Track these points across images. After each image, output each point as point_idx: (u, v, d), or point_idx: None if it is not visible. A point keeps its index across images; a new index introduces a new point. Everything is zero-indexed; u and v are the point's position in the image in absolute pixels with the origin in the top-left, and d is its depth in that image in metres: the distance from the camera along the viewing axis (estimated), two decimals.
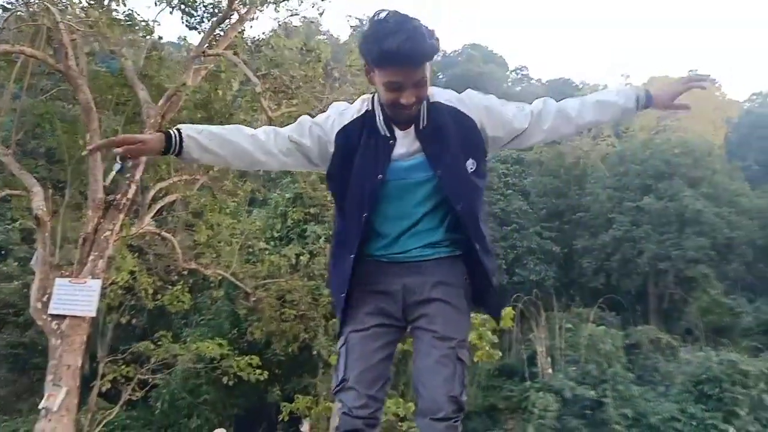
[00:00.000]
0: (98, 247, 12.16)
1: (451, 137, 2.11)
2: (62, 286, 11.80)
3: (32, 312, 12.30)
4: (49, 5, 9.86)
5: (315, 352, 22.42)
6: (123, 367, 14.66)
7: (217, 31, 13.86)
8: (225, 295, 20.95)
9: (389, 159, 2.11)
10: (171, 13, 14.80)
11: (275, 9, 13.75)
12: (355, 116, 2.17)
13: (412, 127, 2.14)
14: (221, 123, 15.53)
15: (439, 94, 2.17)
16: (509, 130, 2.23)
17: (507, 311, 16.98)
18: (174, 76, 13.03)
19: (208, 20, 14.31)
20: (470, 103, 2.18)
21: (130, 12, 13.95)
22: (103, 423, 14.55)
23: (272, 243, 18.09)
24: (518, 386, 30.54)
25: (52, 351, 12.11)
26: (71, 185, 13.78)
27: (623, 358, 30.21)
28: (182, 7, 14.77)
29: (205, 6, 14.88)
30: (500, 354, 16.65)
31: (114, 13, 12.41)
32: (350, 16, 60.85)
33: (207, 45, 13.24)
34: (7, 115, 12.89)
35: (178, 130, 1.96)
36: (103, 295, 13.82)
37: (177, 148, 1.92)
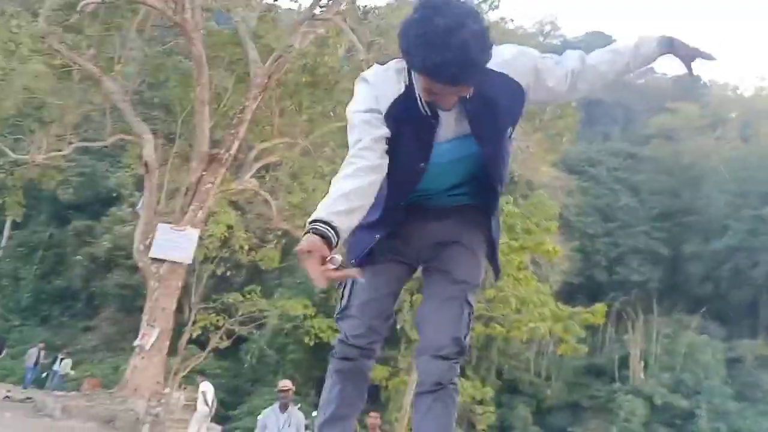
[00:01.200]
0: (199, 198, 12.64)
1: (500, 109, 1.88)
2: (163, 231, 12.41)
3: (135, 254, 13.05)
4: None
5: (399, 326, 22.55)
6: (213, 315, 15.28)
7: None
8: None
9: (431, 144, 1.88)
10: None
11: None
12: (395, 96, 1.87)
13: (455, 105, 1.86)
14: (326, 89, 15.64)
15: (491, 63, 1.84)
16: (552, 94, 2.02)
17: (599, 307, 16.29)
18: (283, 38, 13.19)
19: None
20: (521, 66, 1.91)
21: None
22: (191, 367, 15.28)
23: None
24: (606, 387, 29.60)
25: (150, 293, 12.82)
26: (180, 136, 14.36)
27: (723, 371, 28.57)
28: None
29: None
30: (586, 350, 16.01)
31: None
32: None
33: (318, 9, 13.30)
34: (127, 64, 13.59)
35: (326, 223, 1.68)
36: (200, 245, 14.43)
37: (337, 238, 1.65)
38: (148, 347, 12.22)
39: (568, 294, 32.48)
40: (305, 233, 1.68)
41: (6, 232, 32.39)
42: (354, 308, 2.04)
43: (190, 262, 12.39)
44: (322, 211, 1.70)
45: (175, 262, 12.11)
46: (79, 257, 28.87)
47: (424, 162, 1.90)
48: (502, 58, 1.88)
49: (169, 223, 12.40)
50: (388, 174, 1.87)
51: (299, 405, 7.91)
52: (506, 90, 1.88)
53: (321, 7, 13.68)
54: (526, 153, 14.57)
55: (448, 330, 1.97)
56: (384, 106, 1.85)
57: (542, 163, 14.43)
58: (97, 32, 13.42)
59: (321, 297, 23.22)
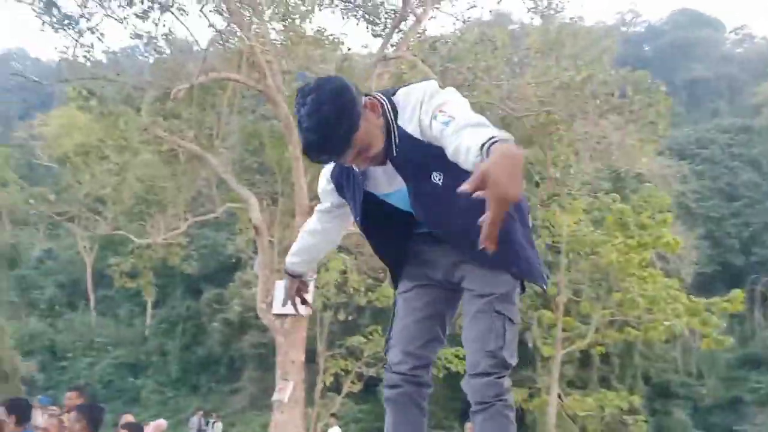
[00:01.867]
0: None
1: (414, 161, 1.91)
2: (280, 287, 12.98)
3: (259, 312, 13.72)
4: (239, 31, 10.91)
5: (530, 345, 21.96)
6: (342, 360, 15.65)
7: (398, 36, 14.24)
8: None
9: (361, 200, 2.03)
10: (357, 24, 15.54)
11: (451, 4, 13.76)
12: (332, 165, 2.15)
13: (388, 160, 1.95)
14: None
15: (400, 106, 1.94)
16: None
17: (736, 294, 14.99)
18: (360, 83, 13.66)
19: (391, 26, 14.75)
20: (410, 113, 1.90)
21: (318, 29, 15.01)
22: (330, 414, 15.64)
23: None
24: (766, 377, 27.20)
25: (278, 347, 13.39)
26: (282, 194, 15.09)
27: None
28: (366, 17, 15.41)
29: (386, 13, 15.36)
30: (732, 341, 14.81)
31: (303, 31, 13.38)
32: None
33: (390, 49, 13.68)
34: (225, 138, 14.61)
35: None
36: (318, 294, 14.94)
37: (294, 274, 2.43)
38: (285, 400, 12.69)
39: (705, 285, 30.24)
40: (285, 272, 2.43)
41: (148, 312, 35.20)
42: (393, 339, 2.12)
43: (310, 312, 12.83)
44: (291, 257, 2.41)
45: (296, 314, 12.59)
46: (215, 324, 30.72)
47: (359, 217, 2.04)
48: (402, 112, 1.92)
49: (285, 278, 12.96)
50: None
51: None
52: (410, 142, 1.89)
53: (391, 45, 14.07)
54: (623, 147, 13.95)
55: (480, 345, 1.96)
56: (328, 168, 2.14)
57: (642, 155, 13.75)
58: (193, 114, 14.54)
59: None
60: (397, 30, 14.18)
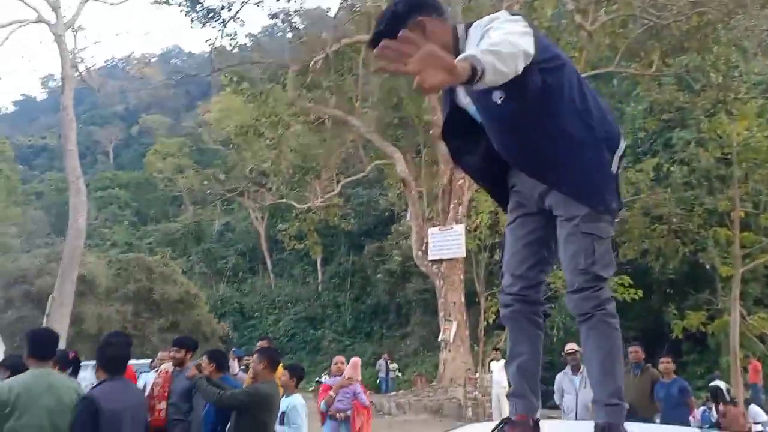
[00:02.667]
0: (456, 195, 13.42)
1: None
2: (434, 234, 13.46)
3: (416, 260, 14.35)
4: None
5: (708, 266, 20.63)
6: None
7: None
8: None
9: (448, 100, 2.23)
10: None
11: None
12: None
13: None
14: None
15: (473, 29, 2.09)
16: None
17: None
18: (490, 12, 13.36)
19: None
20: (475, 34, 2.01)
21: None
22: (493, 348, 15.99)
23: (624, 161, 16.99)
24: None
25: (438, 291, 13.96)
26: (425, 145, 15.39)
27: None
28: None
29: None
30: None
31: None
32: None
33: None
34: (365, 99, 15.14)
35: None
36: (471, 236, 15.17)
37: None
38: (451, 339, 13.29)
39: None
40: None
41: (319, 270, 37.80)
42: (504, 266, 2.30)
43: (464, 255, 13.17)
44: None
45: (451, 259, 12.99)
46: (379, 275, 32.28)
47: (445, 125, 2.26)
48: (470, 39, 2.04)
49: (437, 225, 13.36)
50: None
51: None
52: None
53: None
54: None
55: (573, 266, 2.10)
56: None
57: None
58: (332, 81, 15.19)
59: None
60: None
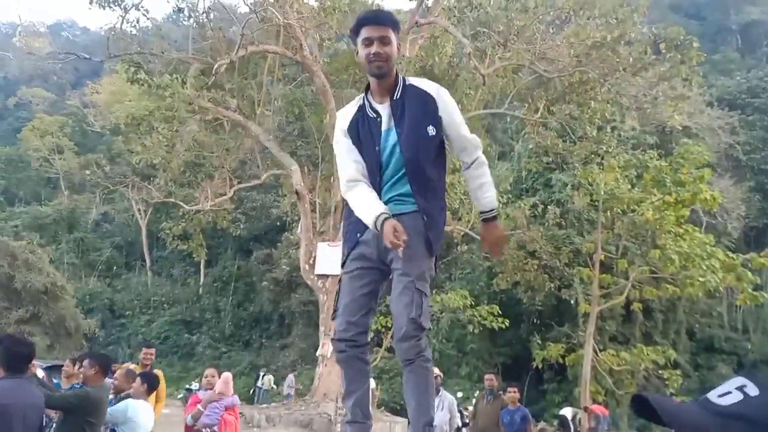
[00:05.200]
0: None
1: (414, 106, 2.64)
2: (323, 249, 13.65)
3: (302, 273, 14.45)
4: (273, 3, 11.30)
5: (572, 301, 22.24)
6: (381, 317, 16.32)
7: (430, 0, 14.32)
8: (469, 250, 21.84)
9: (380, 132, 2.66)
10: None
11: None
12: (353, 111, 2.77)
13: (388, 100, 2.68)
14: (448, 85, 16.11)
15: (415, 80, 2.75)
16: (455, 139, 2.72)
17: None
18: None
19: None
20: (440, 94, 2.68)
21: None
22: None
23: (505, 196, 18.20)
24: None
25: (320, 306, 14.14)
26: (323, 160, 15.61)
27: None
28: None
29: None
30: (766, 296, 14.79)
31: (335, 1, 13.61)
32: None
33: (418, 17, 13.81)
34: (266, 106, 15.13)
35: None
36: None
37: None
38: (328, 355, 13.48)
39: (756, 238, 29.67)
40: (383, 222, 2.53)
41: (202, 272, 36.74)
42: (339, 310, 2.63)
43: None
44: (379, 208, 2.56)
45: (336, 275, 13.23)
46: (264, 283, 31.92)
47: (378, 145, 2.64)
48: (429, 83, 2.73)
49: (326, 240, 13.57)
50: (364, 161, 2.67)
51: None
52: (420, 96, 2.66)
53: (426, 8, 14.18)
54: (654, 104, 13.88)
55: (404, 314, 2.48)
56: (346, 122, 2.74)
57: (677, 111, 13.63)
58: (236, 84, 15.07)
59: (480, 286, 23.58)
60: None
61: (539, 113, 14.94)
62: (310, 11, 13.44)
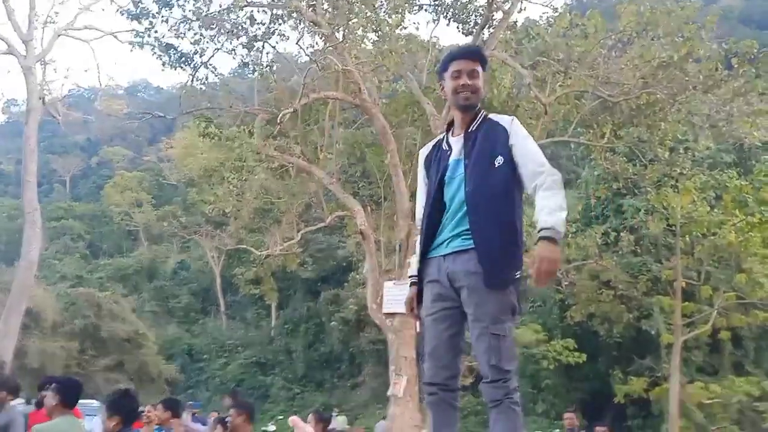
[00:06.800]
0: (412, 250, 13.69)
1: (489, 138, 2.64)
2: (389, 288, 13.59)
3: (370, 312, 14.42)
4: (331, 51, 11.63)
5: (653, 332, 21.23)
6: None
7: (488, 32, 14.35)
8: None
9: (447, 165, 2.69)
10: (447, 25, 15.83)
11: None
12: (431, 146, 2.86)
13: (463, 132, 2.72)
14: (506, 113, 15.97)
15: (494, 115, 2.77)
16: (524, 165, 2.60)
17: None
18: None
19: (480, 23, 14.88)
20: (512, 124, 2.67)
21: (408, 35, 15.46)
22: None
23: (574, 225, 17.73)
24: None
25: (390, 345, 14.01)
26: (385, 199, 15.72)
27: None
28: (455, 15, 15.64)
29: (475, 10, 15.52)
30: None
31: (396, 38, 13.85)
32: None
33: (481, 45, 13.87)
34: (329, 150, 15.47)
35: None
36: None
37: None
38: (400, 394, 13.28)
39: None
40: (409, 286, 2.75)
41: (273, 314, 37.41)
42: (426, 354, 2.61)
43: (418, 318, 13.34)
44: (412, 269, 2.74)
45: (404, 313, 13.16)
46: (333, 323, 32.15)
47: (443, 178, 2.64)
48: (504, 117, 2.74)
49: (392, 279, 13.54)
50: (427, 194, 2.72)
51: None
52: (494, 128, 2.66)
53: (483, 41, 14.22)
54: (729, 121, 13.27)
55: (485, 361, 2.44)
56: (423, 156, 2.86)
57: (755, 128, 12.98)
58: (299, 131, 15.49)
59: (553, 319, 22.86)
60: (487, 26, 14.30)
61: (605, 138, 14.56)
62: (368, 55, 13.74)
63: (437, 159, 2.73)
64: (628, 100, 13.95)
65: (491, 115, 2.75)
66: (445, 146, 2.75)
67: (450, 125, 2.82)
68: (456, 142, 2.70)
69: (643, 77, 13.56)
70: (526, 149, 2.59)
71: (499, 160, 2.55)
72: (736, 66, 12.84)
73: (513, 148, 2.59)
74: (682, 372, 17.67)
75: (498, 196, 2.53)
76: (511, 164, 2.56)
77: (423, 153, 2.88)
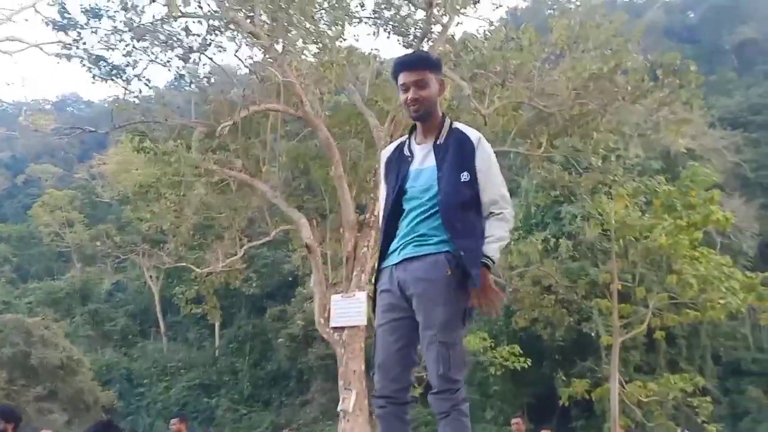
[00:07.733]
0: (359, 262, 13.61)
1: (455, 150, 2.63)
2: (336, 301, 13.49)
3: (318, 327, 14.27)
4: (271, 63, 11.53)
5: (593, 334, 21.85)
6: None
7: (427, 45, 14.55)
8: None
9: (407, 171, 2.66)
10: (388, 37, 15.94)
11: (474, 8, 14.01)
12: (394, 147, 2.84)
13: (431, 142, 2.69)
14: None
15: (461, 125, 2.76)
16: (485, 191, 2.63)
17: None
18: (393, 98, 14.05)
19: (419, 36, 15.08)
20: (480, 143, 2.67)
21: (348, 47, 15.50)
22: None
23: (516, 233, 18.15)
24: None
25: (339, 359, 13.87)
26: (330, 212, 15.63)
27: None
28: (395, 28, 15.77)
29: (414, 24, 15.71)
30: None
31: (337, 51, 13.86)
32: None
33: None
34: (271, 164, 15.28)
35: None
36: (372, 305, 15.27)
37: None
38: (350, 409, 13.16)
39: None
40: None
41: (217, 334, 36.48)
42: (376, 366, 2.56)
43: (365, 323, 13.29)
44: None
45: (353, 326, 13.06)
46: (280, 340, 31.62)
47: (401, 184, 2.62)
48: (472, 131, 2.70)
49: (340, 292, 13.45)
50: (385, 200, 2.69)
51: None
52: (463, 144, 2.63)
53: None
54: (657, 130, 13.92)
55: (433, 371, 2.42)
56: (385, 159, 2.83)
57: (680, 135, 13.67)
58: (240, 144, 15.24)
59: (499, 326, 23.24)
60: (426, 39, 14.50)
61: (542, 148, 14.96)
62: (309, 67, 13.69)
63: (398, 163, 2.72)
64: (562, 111, 14.42)
65: (458, 125, 2.74)
66: (407, 152, 2.72)
67: (413, 129, 2.81)
68: (420, 151, 2.69)
69: (576, 89, 14.05)
70: (490, 175, 2.63)
71: (465, 176, 2.57)
72: (661, 77, 13.48)
73: (478, 173, 2.61)
74: (621, 372, 18.24)
75: (467, 204, 2.56)
76: (474, 184, 2.59)
77: (385, 154, 2.86)
